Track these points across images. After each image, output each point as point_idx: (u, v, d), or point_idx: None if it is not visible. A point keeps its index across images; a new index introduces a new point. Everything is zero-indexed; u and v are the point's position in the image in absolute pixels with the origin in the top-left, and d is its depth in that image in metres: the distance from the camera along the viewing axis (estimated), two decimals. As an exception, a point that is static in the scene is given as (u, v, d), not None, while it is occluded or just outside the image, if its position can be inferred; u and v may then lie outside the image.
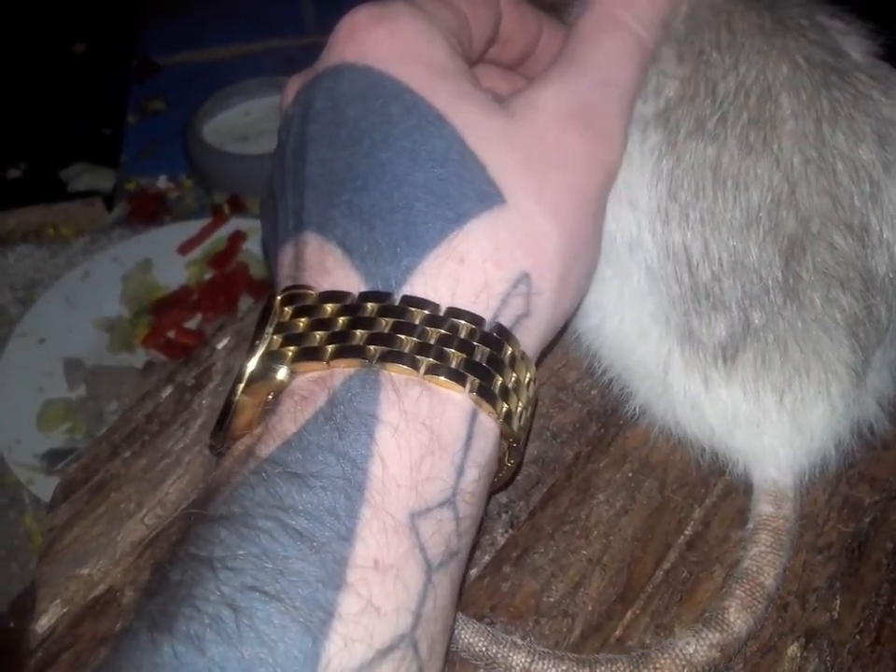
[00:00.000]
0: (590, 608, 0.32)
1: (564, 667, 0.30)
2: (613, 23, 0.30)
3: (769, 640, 0.31)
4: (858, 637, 0.31)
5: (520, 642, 0.30)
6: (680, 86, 0.31)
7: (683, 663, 0.29)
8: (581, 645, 0.31)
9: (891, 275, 0.31)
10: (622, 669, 0.30)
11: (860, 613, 0.32)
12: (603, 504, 0.34)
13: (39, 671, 0.32)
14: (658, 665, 0.29)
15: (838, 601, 0.32)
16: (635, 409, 0.34)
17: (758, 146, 0.30)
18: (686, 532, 0.34)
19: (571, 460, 0.35)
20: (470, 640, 0.30)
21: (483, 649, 0.30)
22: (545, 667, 0.29)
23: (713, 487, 0.35)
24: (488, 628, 0.30)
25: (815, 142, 0.30)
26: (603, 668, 0.29)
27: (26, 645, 0.33)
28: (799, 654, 0.31)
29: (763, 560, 0.31)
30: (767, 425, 0.31)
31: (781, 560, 0.31)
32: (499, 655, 0.30)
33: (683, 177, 0.30)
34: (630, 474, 0.35)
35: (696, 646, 0.30)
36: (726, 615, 0.30)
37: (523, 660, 0.30)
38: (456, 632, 0.30)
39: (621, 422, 0.36)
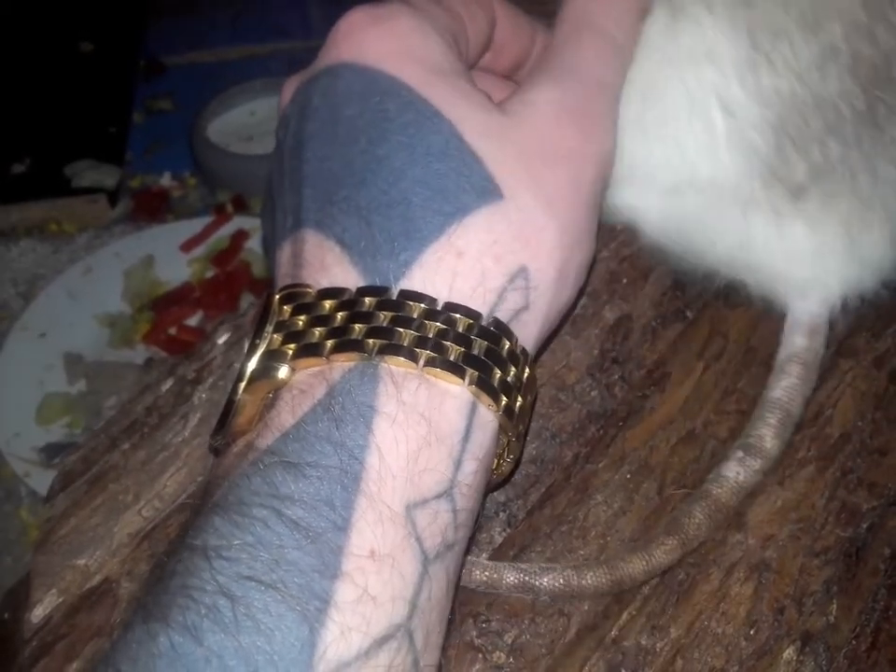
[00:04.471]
0: (586, 607, 0.32)
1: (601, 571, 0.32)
2: (590, 26, 0.32)
3: (765, 644, 0.31)
4: (854, 641, 0.31)
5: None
6: None
7: (737, 489, 0.33)
8: (576, 644, 0.31)
9: None
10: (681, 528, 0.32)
11: (856, 618, 0.32)
12: (601, 505, 0.34)
13: (34, 661, 0.32)
14: (718, 497, 0.33)
15: (835, 605, 0.32)
16: (713, 263, 0.36)
17: None
18: (683, 534, 0.34)
19: (570, 460, 0.35)
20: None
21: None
22: (583, 578, 0.32)
23: (711, 490, 0.35)
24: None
25: None
26: (660, 543, 0.32)
27: (20, 635, 0.33)
28: (795, 658, 0.31)
29: (794, 391, 0.34)
30: (825, 259, 0.34)
31: (808, 391, 0.35)
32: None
33: (760, 20, 0.31)
34: (628, 475, 0.35)
35: (745, 474, 0.33)
36: (764, 442, 0.33)
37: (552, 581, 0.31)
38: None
39: (620, 423, 0.36)
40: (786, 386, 0.34)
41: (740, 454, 0.33)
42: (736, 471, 0.33)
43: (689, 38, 0.32)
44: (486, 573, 0.31)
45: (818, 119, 0.31)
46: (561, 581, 0.31)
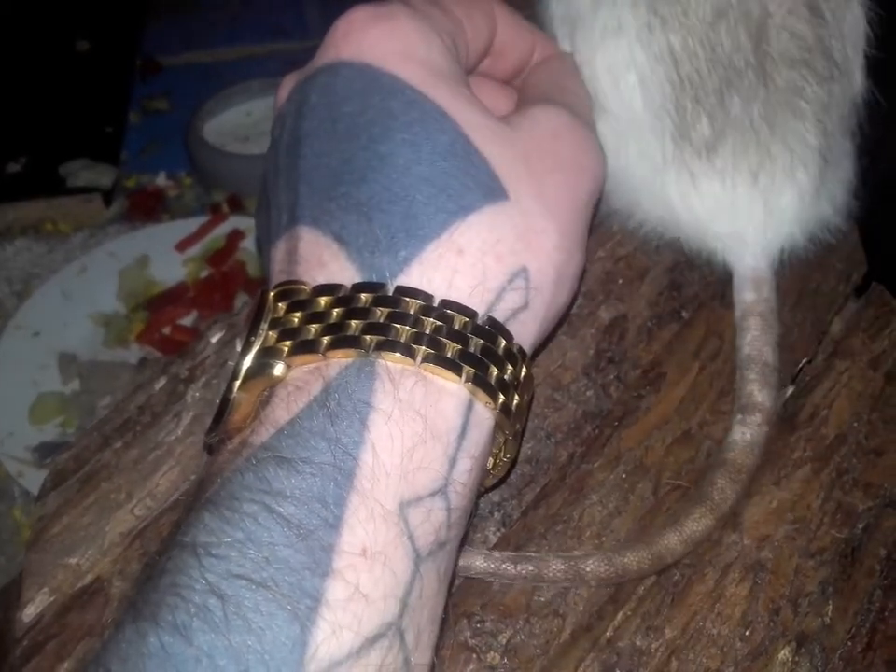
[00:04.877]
0: (581, 608, 0.32)
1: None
2: (562, 88, 0.35)
3: (760, 644, 0.31)
4: (849, 642, 0.31)
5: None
6: None
7: (749, 447, 0.34)
8: (570, 645, 0.31)
9: (844, 54, 0.34)
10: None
11: (852, 619, 0.32)
12: (596, 505, 0.34)
13: (25, 660, 0.32)
14: (733, 459, 0.34)
15: (830, 606, 0.32)
16: (640, 223, 0.38)
17: None
18: (679, 534, 0.33)
19: (565, 460, 0.35)
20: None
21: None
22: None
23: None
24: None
25: None
26: (688, 514, 0.33)
27: (12, 634, 0.33)
28: (790, 659, 0.31)
29: (759, 342, 0.36)
30: (743, 211, 0.35)
31: (773, 338, 0.36)
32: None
33: None
34: (624, 475, 0.35)
35: (750, 432, 0.34)
36: (754, 398, 0.35)
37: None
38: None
39: (616, 423, 0.36)
40: (750, 341, 0.36)
41: (739, 416, 0.35)
42: (742, 432, 0.34)
43: (605, 13, 0.35)
44: (531, 565, 0.31)
45: (714, 74, 0.34)
46: (605, 564, 0.31)
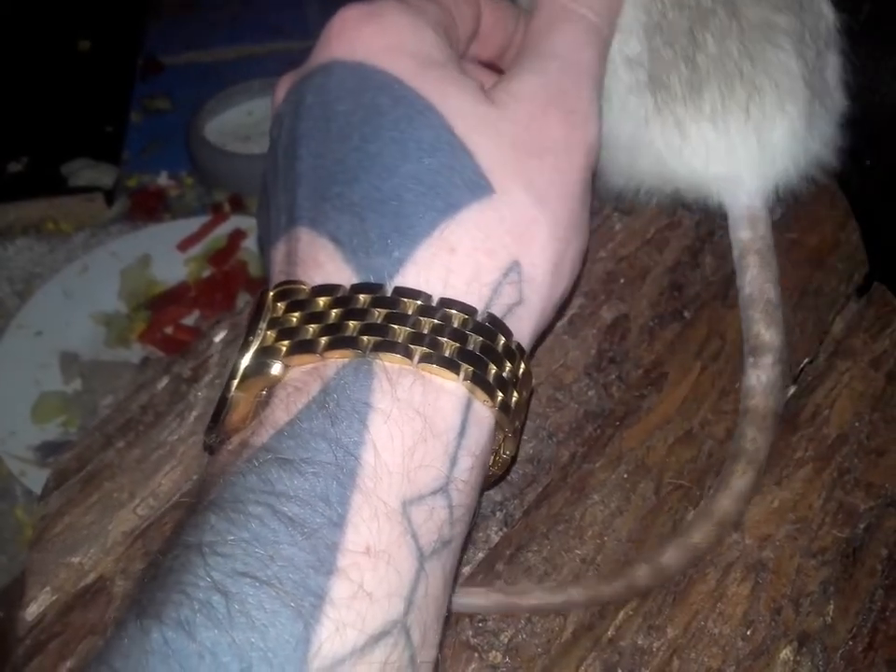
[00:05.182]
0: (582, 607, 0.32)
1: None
2: (567, 13, 0.32)
3: (762, 644, 0.31)
4: (851, 642, 0.31)
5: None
6: None
7: (766, 389, 0.34)
8: (572, 644, 0.31)
9: None
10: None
11: (853, 619, 0.32)
12: (598, 504, 0.34)
13: (27, 659, 0.32)
14: (755, 406, 0.34)
15: (832, 606, 0.32)
16: (638, 184, 0.38)
17: None
18: (680, 534, 0.33)
19: (567, 460, 0.35)
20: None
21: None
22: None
23: (708, 490, 0.35)
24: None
25: None
26: (730, 472, 0.33)
27: (14, 633, 0.33)
28: (791, 658, 0.31)
29: (759, 279, 0.36)
30: (737, 151, 0.35)
31: (773, 275, 0.36)
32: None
33: None
34: (625, 475, 0.35)
35: (764, 374, 0.35)
36: (762, 337, 0.35)
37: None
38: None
39: (617, 423, 0.36)
40: (751, 280, 0.36)
41: (751, 359, 0.35)
42: (756, 376, 0.35)
43: None
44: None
45: (682, 17, 0.34)
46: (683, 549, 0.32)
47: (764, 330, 0.35)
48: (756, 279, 0.36)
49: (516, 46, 0.35)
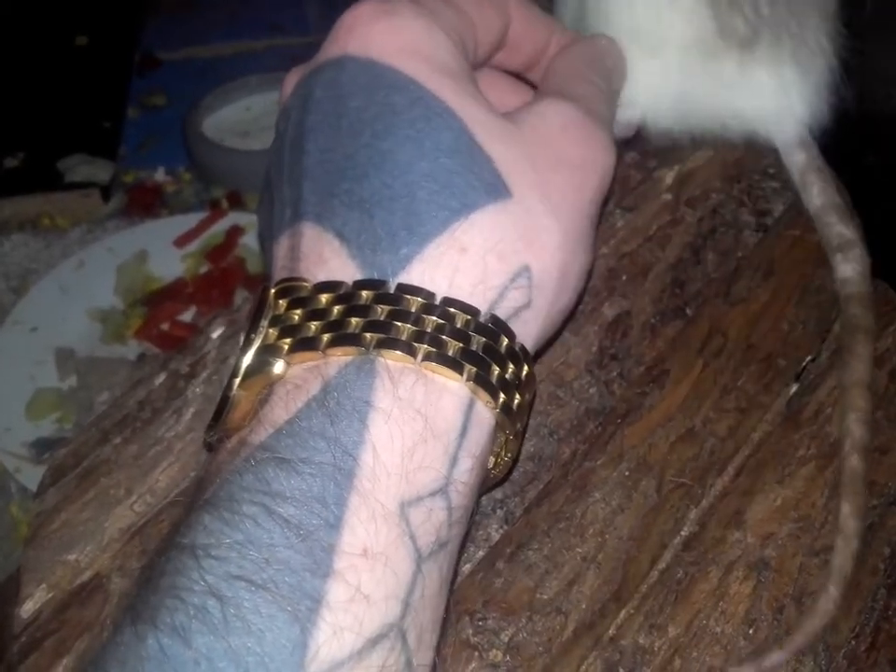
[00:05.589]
0: (583, 605, 0.31)
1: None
2: (580, 76, 0.34)
3: (764, 642, 0.31)
4: (853, 641, 0.31)
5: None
6: None
7: (864, 276, 0.38)
8: (573, 642, 0.31)
9: None
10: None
11: (856, 617, 0.31)
12: (599, 502, 0.34)
13: (23, 656, 0.31)
14: (856, 292, 0.38)
15: (834, 605, 0.32)
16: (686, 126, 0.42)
17: None
18: (682, 532, 0.33)
19: (568, 457, 0.35)
20: None
21: None
22: None
23: (710, 488, 0.34)
24: None
25: None
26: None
27: (10, 630, 0.33)
28: (794, 658, 0.30)
29: (827, 189, 0.40)
30: (788, 87, 0.40)
31: (835, 187, 0.40)
32: None
33: None
34: (627, 473, 0.34)
35: (859, 264, 0.38)
36: (846, 234, 0.39)
37: None
38: None
39: (619, 420, 0.36)
40: (819, 192, 0.40)
41: (838, 256, 0.39)
42: (851, 267, 0.38)
43: None
44: None
45: None
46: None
47: (845, 229, 0.39)
48: (825, 190, 0.40)
49: (548, 59, 0.35)
